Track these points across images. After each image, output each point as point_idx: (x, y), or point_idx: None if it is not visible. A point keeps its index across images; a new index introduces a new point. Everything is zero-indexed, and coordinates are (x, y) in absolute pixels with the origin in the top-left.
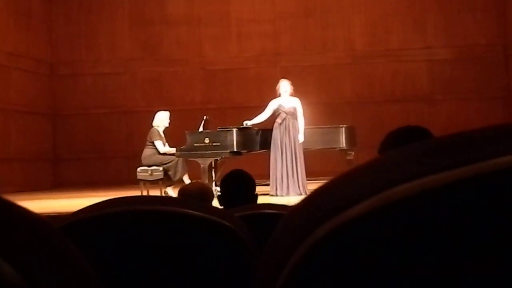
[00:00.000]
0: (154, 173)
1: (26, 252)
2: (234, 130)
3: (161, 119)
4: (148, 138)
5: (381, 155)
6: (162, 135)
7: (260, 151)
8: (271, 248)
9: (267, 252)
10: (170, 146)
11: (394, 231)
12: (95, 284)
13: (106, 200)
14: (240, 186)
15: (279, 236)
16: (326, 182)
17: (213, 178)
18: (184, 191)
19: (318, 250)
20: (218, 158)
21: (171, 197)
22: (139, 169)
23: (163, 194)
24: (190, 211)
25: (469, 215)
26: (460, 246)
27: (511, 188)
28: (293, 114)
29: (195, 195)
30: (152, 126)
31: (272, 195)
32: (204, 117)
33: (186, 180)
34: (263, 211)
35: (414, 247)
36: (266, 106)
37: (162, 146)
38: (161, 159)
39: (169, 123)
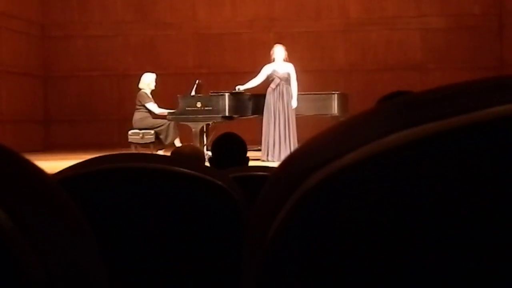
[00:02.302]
0: (146, 136)
1: (19, 197)
2: (227, 94)
3: (147, 83)
4: (137, 102)
5: (372, 108)
6: (151, 97)
7: (252, 116)
8: (262, 200)
9: (259, 204)
10: (160, 107)
11: (386, 182)
12: (89, 236)
13: (98, 157)
14: (232, 148)
15: (271, 187)
16: (316, 135)
17: (205, 143)
18: (176, 152)
19: (310, 199)
20: (210, 123)
21: (165, 156)
22: (130, 132)
23: None
24: (183, 169)
25: (462, 167)
26: (453, 199)
27: (508, 138)
28: (287, 80)
29: (188, 156)
30: (139, 89)
31: (263, 160)
32: (197, 81)
33: (178, 143)
34: (254, 173)
35: (406, 198)
36: (259, 71)
37: (156, 108)
38: (152, 123)
39: (156, 86)
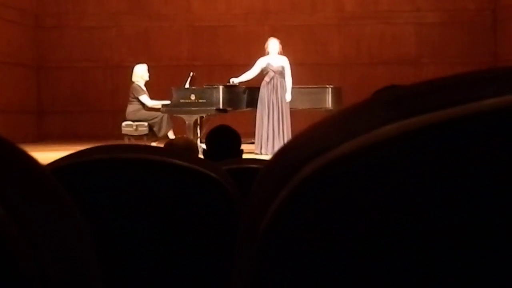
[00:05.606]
0: (139, 129)
1: (11, 186)
2: (221, 87)
3: (141, 75)
4: (131, 95)
5: (366, 99)
6: (145, 89)
7: (246, 109)
8: (255, 191)
9: (252, 195)
10: (152, 99)
11: (380, 173)
12: (82, 225)
13: (91, 148)
14: (226, 141)
15: (264, 177)
16: (310, 126)
17: (198, 135)
18: (170, 144)
19: (303, 190)
20: (204, 115)
21: (158, 147)
22: (124, 123)
23: None
24: (176, 160)
25: (455, 158)
26: (447, 191)
27: (500, 130)
28: (281, 73)
29: (181, 148)
30: (132, 82)
31: (256, 154)
32: (191, 74)
33: (171, 136)
34: (248, 165)
35: (400, 190)
36: (253, 64)
37: (149, 100)
38: (146, 115)
39: (149, 76)
